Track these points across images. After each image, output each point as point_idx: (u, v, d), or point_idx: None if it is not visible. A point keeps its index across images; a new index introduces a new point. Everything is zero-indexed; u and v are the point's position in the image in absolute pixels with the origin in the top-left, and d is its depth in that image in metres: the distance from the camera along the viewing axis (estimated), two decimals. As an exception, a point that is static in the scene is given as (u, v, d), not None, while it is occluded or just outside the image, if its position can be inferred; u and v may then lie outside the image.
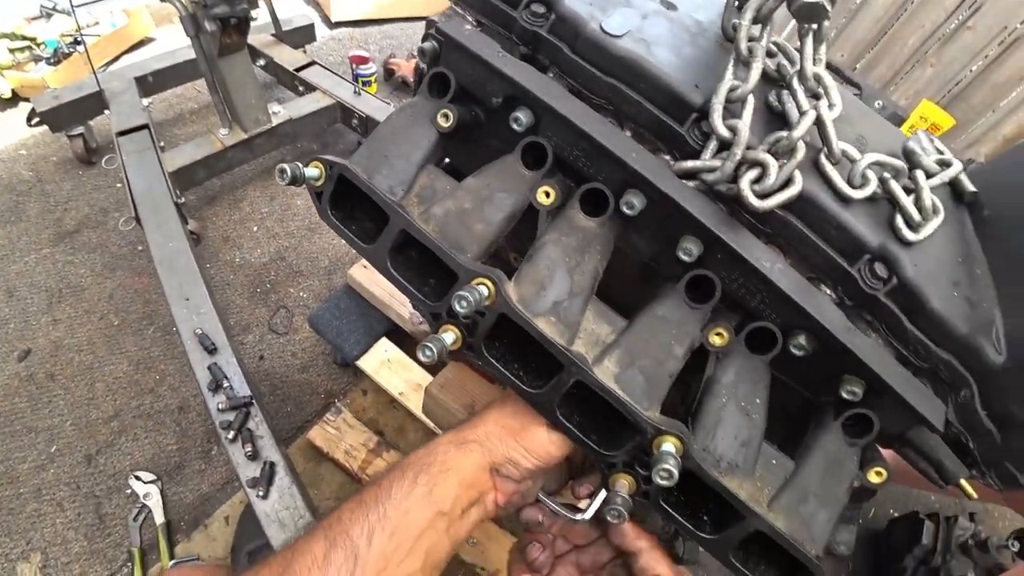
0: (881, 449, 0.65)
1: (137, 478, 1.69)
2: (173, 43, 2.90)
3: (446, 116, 0.61)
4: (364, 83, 2.71)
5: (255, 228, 2.28)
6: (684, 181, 0.55)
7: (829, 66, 2.42)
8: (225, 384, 1.57)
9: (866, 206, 0.59)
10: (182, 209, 1.99)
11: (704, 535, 0.55)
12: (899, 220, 0.59)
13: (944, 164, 0.65)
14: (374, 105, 2.36)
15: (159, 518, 1.63)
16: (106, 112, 2.25)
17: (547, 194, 0.57)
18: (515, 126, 0.58)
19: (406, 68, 3.00)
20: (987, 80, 2.71)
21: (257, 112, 2.15)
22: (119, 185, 2.35)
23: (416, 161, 0.61)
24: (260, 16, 2.42)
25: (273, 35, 2.58)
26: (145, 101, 2.33)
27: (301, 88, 2.44)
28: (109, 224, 2.25)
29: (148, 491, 1.68)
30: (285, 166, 0.57)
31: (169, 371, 1.92)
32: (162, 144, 2.17)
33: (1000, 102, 2.71)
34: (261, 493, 1.42)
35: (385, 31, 3.44)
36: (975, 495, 0.63)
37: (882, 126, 0.73)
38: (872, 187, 0.57)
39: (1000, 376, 0.60)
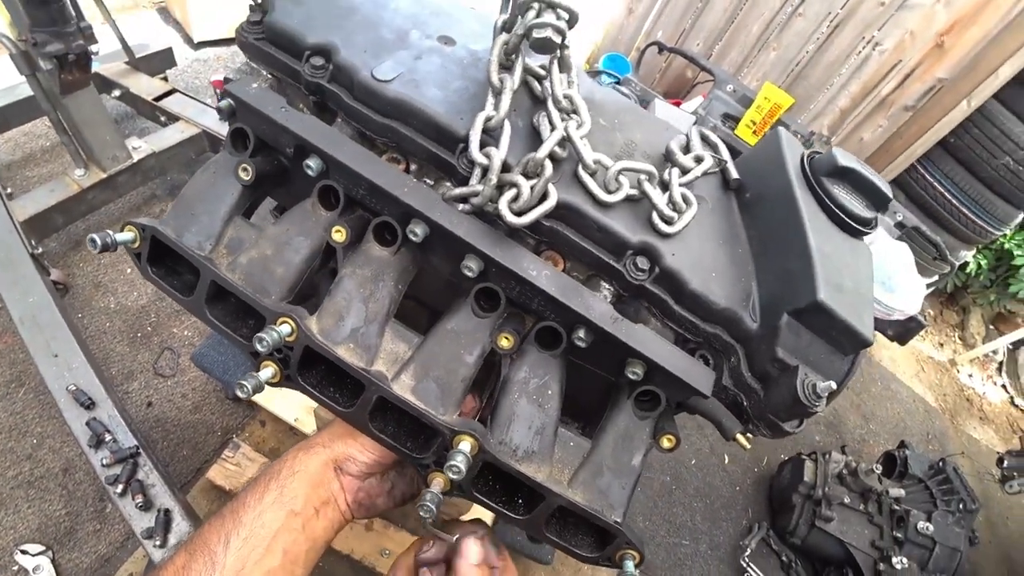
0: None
1: (24, 552, 1.58)
2: (8, 76, 2.67)
3: (246, 170, 0.65)
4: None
5: (128, 270, 2.17)
6: (459, 206, 0.62)
7: (686, 55, 2.62)
8: (107, 438, 1.51)
9: (626, 207, 0.69)
10: (41, 259, 1.86)
11: (517, 516, 0.62)
12: (655, 216, 0.68)
13: (699, 159, 0.76)
14: (245, 130, 2.30)
15: (53, 589, 1.54)
16: (-63, 160, 2.05)
17: (340, 232, 0.61)
18: (308, 172, 0.62)
19: (281, 86, 2.93)
20: (820, 60, 3.04)
21: (114, 149, 2.04)
22: (-36, 239, 2.15)
23: (221, 215, 0.64)
24: (111, 43, 2.28)
25: (127, 63, 2.44)
26: (-16, 145, 2.15)
27: (163, 118, 2.33)
28: (-42, 284, 2.05)
29: (37, 563, 1.59)
30: (95, 236, 0.60)
31: (48, 432, 1.81)
32: (10, 190, 2.01)
33: (833, 79, 3.05)
34: (158, 542, 1.38)
35: (256, 49, 3.33)
36: (748, 446, 0.74)
37: (655, 129, 0.83)
38: (625, 191, 0.66)
39: (757, 340, 0.71)
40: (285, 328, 0.57)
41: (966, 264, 3.57)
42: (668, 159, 0.75)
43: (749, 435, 0.75)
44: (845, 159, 0.82)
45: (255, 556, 0.55)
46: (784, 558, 2.16)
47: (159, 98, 2.33)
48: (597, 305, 0.63)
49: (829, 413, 2.86)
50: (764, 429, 0.74)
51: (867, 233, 0.82)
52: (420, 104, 0.63)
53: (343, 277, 0.62)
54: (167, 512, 1.43)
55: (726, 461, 2.44)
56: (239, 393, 0.58)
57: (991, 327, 4.01)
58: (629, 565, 0.61)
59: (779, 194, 0.79)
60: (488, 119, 0.60)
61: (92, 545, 1.66)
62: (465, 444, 0.56)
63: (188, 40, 3.20)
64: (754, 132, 2.59)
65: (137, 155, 2.12)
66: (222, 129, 2.26)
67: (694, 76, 3.38)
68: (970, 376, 3.64)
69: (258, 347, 0.55)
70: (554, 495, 0.59)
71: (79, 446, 1.75)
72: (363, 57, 0.65)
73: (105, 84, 2.33)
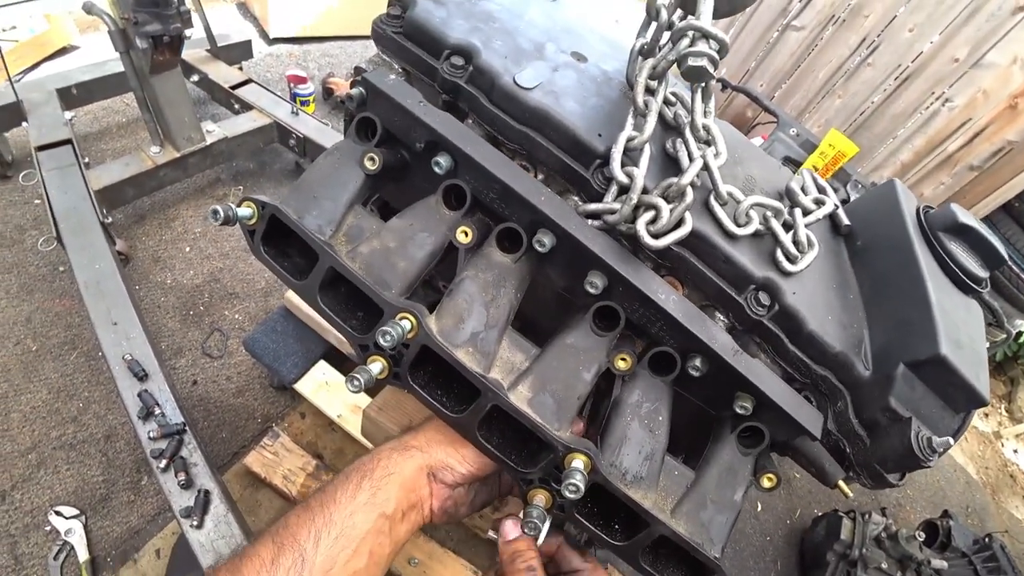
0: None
1: (58, 513, 1.59)
2: (98, 52, 2.78)
3: (372, 159, 0.65)
4: (302, 103, 2.69)
5: (187, 249, 2.21)
6: (589, 221, 0.61)
7: (751, 95, 2.61)
8: (156, 411, 1.52)
9: (751, 241, 0.67)
10: (109, 229, 1.91)
11: (615, 542, 0.61)
12: (779, 254, 0.67)
13: (819, 203, 0.75)
14: (312, 126, 2.35)
15: (83, 555, 1.55)
16: (24, 124, 2.13)
17: (466, 233, 0.61)
18: (436, 169, 0.63)
19: (345, 88, 3.00)
20: (886, 111, 2.99)
21: (190, 130, 2.10)
22: (37, 202, 2.23)
23: (344, 202, 0.64)
24: (195, 30, 2.37)
25: (208, 51, 2.53)
26: (68, 114, 2.23)
27: (237, 106, 2.39)
28: (26, 243, 2.12)
29: (70, 527, 1.59)
30: (218, 208, 0.60)
31: (94, 398, 1.83)
32: (87, 160, 2.08)
33: (898, 131, 3.00)
34: (195, 523, 1.38)
35: (324, 49, 3.42)
36: (850, 494, 0.71)
37: (770, 166, 0.82)
38: (754, 225, 0.65)
39: (868, 387, 0.69)
40: (406, 324, 0.57)
41: (1020, 334, 3.45)
42: (790, 198, 0.74)
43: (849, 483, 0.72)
44: (964, 216, 0.80)
45: (344, 556, 0.54)
46: (812, 618, 2.07)
47: (235, 87, 2.40)
48: (720, 335, 0.62)
49: (867, 472, 2.76)
50: (866, 478, 0.71)
51: (980, 292, 0.80)
52: (560, 116, 0.63)
53: (464, 279, 0.61)
54: (207, 493, 1.42)
55: (759, 509, 2.36)
56: (350, 387, 0.57)
57: (1039, 402, 3.84)
58: None
59: (896, 245, 0.77)
60: (631, 139, 0.60)
61: (124, 515, 1.66)
62: (578, 462, 0.55)
63: (263, 35, 3.31)
64: (816, 177, 2.56)
65: (210, 138, 2.18)
66: (293, 122, 2.33)
67: (755, 116, 3.37)
68: (1015, 452, 3.48)
69: (381, 340, 0.55)
70: (659, 523, 0.58)
71: (124, 415, 1.78)
72: (504, 62, 0.66)
73: (186, 68, 2.41)
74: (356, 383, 0.56)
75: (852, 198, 1.91)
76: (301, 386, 1.73)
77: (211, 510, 1.41)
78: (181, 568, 1.48)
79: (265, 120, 2.32)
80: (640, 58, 0.68)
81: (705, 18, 0.60)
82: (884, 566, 2.03)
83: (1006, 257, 0.82)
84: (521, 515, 0.57)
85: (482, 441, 0.59)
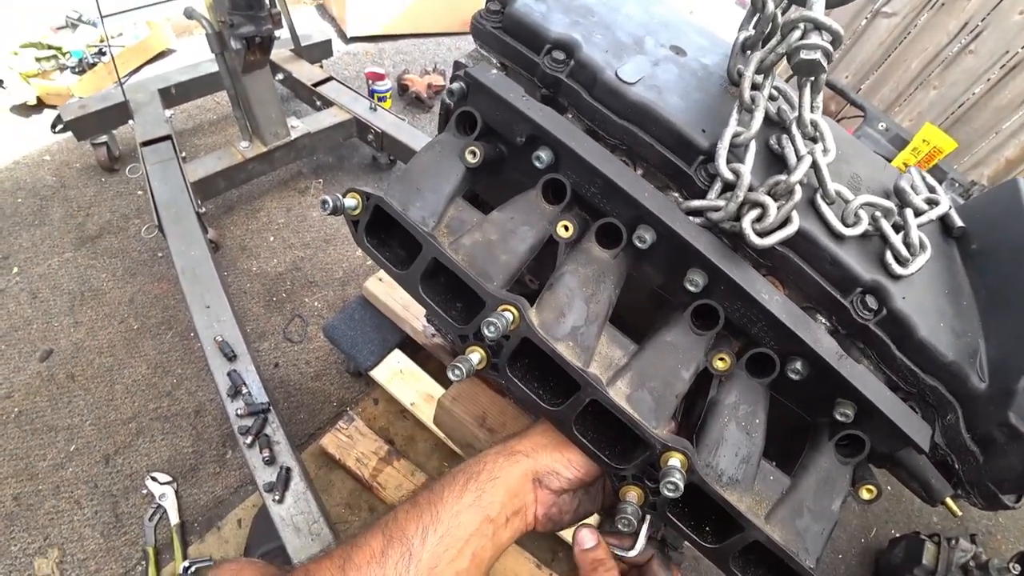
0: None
1: (153, 479, 1.73)
2: (192, 55, 2.98)
3: (473, 153, 0.66)
4: (380, 99, 2.78)
5: (271, 238, 2.34)
6: (691, 218, 0.60)
7: (835, 88, 2.48)
8: (244, 391, 1.62)
9: (859, 242, 0.65)
10: (203, 218, 2.06)
11: (706, 544, 0.60)
12: (889, 256, 0.64)
13: (932, 203, 0.70)
14: (389, 121, 2.42)
15: (174, 519, 1.67)
16: (130, 122, 2.32)
17: (566, 228, 0.62)
18: (537, 163, 0.64)
19: (419, 84, 3.07)
20: (989, 103, 2.76)
21: (277, 126, 2.22)
22: (140, 193, 2.42)
23: (446, 194, 0.66)
24: (280, 31, 2.50)
25: (292, 50, 2.65)
26: (168, 112, 2.41)
27: (318, 102, 2.51)
28: (130, 230, 2.31)
29: (164, 492, 1.72)
30: (327, 198, 0.63)
31: (187, 375, 1.97)
32: (184, 154, 2.24)
33: (1002, 125, 2.76)
34: (277, 497, 1.46)
35: (399, 47, 3.52)
36: (959, 512, 0.67)
37: (875, 164, 0.78)
38: (864, 226, 0.62)
39: (983, 401, 0.65)
40: (508, 316, 0.58)
41: None
42: (899, 198, 0.70)
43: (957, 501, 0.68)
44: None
45: (448, 556, 0.56)
46: (887, 643, 1.96)
47: (317, 84, 2.51)
48: (824, 338, 0.59)
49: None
50: (976, 497, 0.67)
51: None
52: (663, 111, 0.62)
53: (565, 273, 0.62)
54: (288, 470, 1.51)
55: (831, 523, 2.25)
56: (452, 375, 0.59)
57: None
58: None
59: (1019, 249, 0.72)
60: (736, 135, 0.59)
61: (210, 485, 1.79)
62: (675, 461, 0.55)
63: (341, 35, 3.44)
64: (907, 176, 2.40)
65: (294, 133, 2.29)
66: (371, 118, 2.41)
67: (839, 110, 3.19)
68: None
69: (486, 331, 0.56)
70: (754, 529, 0.56)
71: (212, 392, 1.92)
72: (605, 56, 0.66)
73: (273, 68, 2.54)
74: (458, 372, 0.58)
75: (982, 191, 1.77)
76: (376, 373, 1.80)
77: (291, 487, 1.49)
78: (260, 538, 1.58)
79: (345, 116, 2.41)
80: (744, 51, 0.66)
81: (818, 7, 0.58)
82: (971, 595, 1.90)
83: None
84: (616, 514, 0.57)
85: (577, 435, 0.59)
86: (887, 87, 3.00)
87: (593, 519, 0.71)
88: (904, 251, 0.63)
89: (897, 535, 2.20)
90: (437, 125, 0.81)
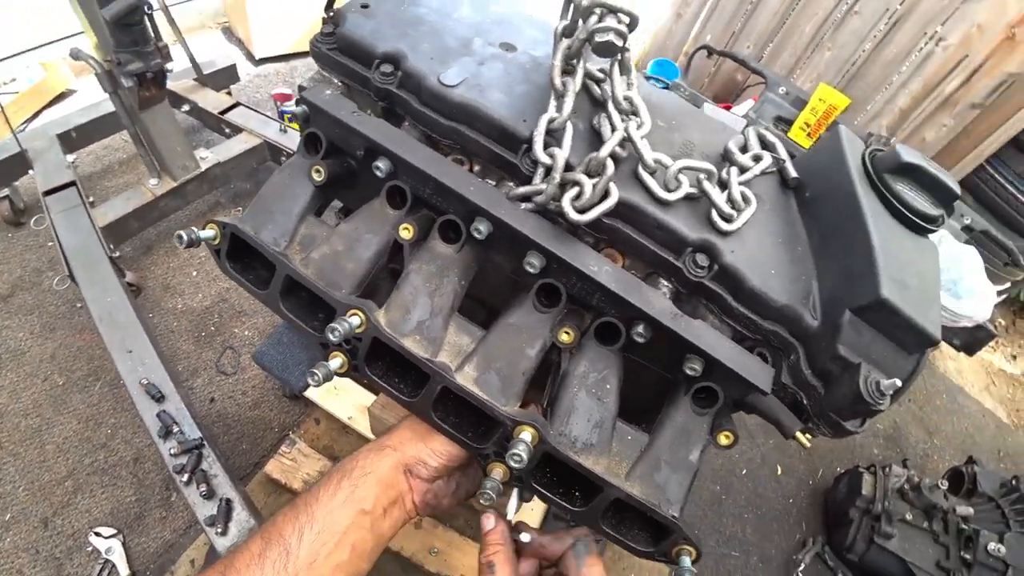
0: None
1: (97, 534, 1.68)
2: (96, 94, 2.88)
3: (319, 171, 0.69)
4: (291, 119, 2.74)
5: (194, 273, 2.30)
6: (522, 204, 0.64)
7: (736, 58, 2.60)
8: (175, 429, 1.60)
9: (686, 206, 0.69)
10: (117, 262, 2.00)
11: (574, 508, 0.63)
12: (714, 214, 0.69)
13: (756, 159, 0.76)
14: (302, 139, 2.40)
15: (123, 571, 1.64)
16: (31, 172, 2.23)
17: (407, 230, 0.65)
18: (377, 173, 0.66)
19: (335, 97, 3.05)
20: (878, 59, 2.93)
21: (184, 159, 2.18)
22: (51, 244, 2.33)
23: (296, 214, 0.68)
24: (181, 61, 2.44)
25: (195, 79, 2.60)
26: (70, 157, 2.32)
27: (228, 130, 2.46)
28: (44, 284, 2.22)
29: (110, 546, 1.68)
30: (181, 233, 0.65)
31: (121, 424, 1.92)
32: (91, 199, 2.17)
33: (892, 77, 2.93)
34: (220, 530, 1.45)
35: (310, 63, 3.42)
36: (808, 445, 0.72)
37: (713, 129, 0.83)
38: (684, 189, 0.67)
39: (817, 338, 0.71)
40: (355, 320, 0.60)
41: (1040, 271, 3.35)
42: (726, 158, 0.75)
43: (809, 435, 0.73)
44: (909, 155, 0.80)
45: (326, 550, 0.58)
46: (840, 575, 2.07)
47: (224, 111, 2.46)
48: (657, 301, 0.64)
49: (889, 426, 2.72)
50: (825, 428, 0.72)
51: (933, 230, 0.80)
52: (484, 107, 0.65)
53: (410, 272, 0.65)
54: (228, 502, 1.49)
55: (779, 472, 2.36)
56: (310, 381, 0.61)
57: (1070, 339, 3.72)
58: (686, 561, 0.61)
59: (840, 192, 0.78)
60: (551, 120, 0.62)
61: (158, 531, 1.75)
62: (526, 434, 0.58)
63: (250, 57, 3.38)
64: (808, 135, 2.52)
65: (204, 164, 2.25)
66: (282, 139, 2.39)
67: (744, 79, 3.32)
68: (1046, 390, 3.40)
69: (330, 337, 0.58)
70: (612, 487, 0.60)
71: (149, 437, 1.86)
72: (430, 64, 0.68)
73: (176, 99, 2.49)
74: (316, 378, 0.60)
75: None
76: (310, 393, 1.79)
77: (234, 517, 1.48)
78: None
79: (256, 141, 2.38)
80: (563, 39, 0.69)
81: (613, -7, 0.61)
82: (909, 517, 2.02)
83: (959, 192, 0.82)
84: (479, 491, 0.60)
85: (437, 421, 0.62)
86: (786, 53, 3.14)
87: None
88: (726, 208, 0.68)
89: (841, 471, 2.32)
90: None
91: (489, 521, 0.67)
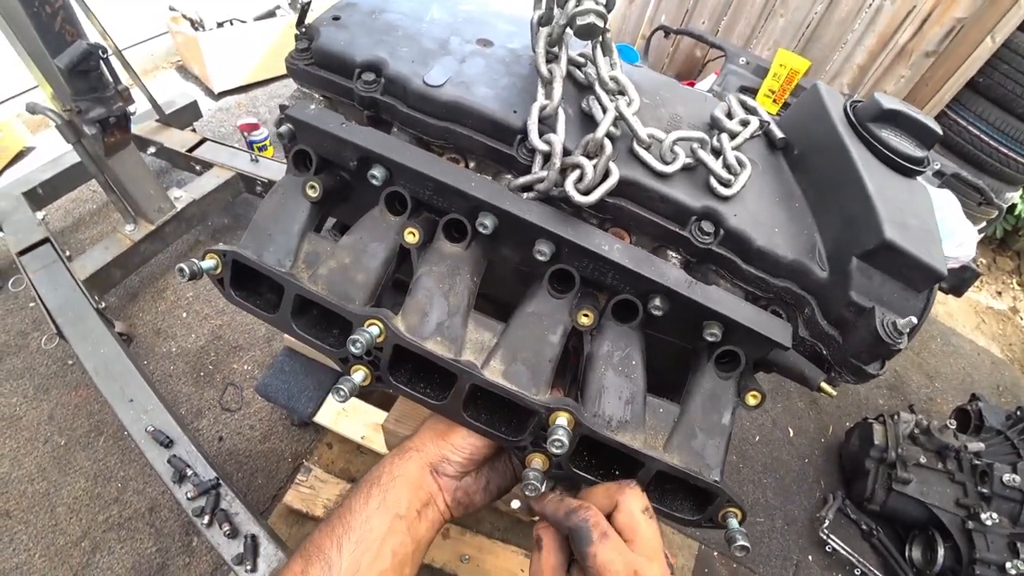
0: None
1: (122, 590, 1.66)
2: (54, 148, 2.82)
3: (313, 187, 0.68)
4: (260, 148, 2.72)
5: (184, 314, 2.26)
6: (524, 194, 0.64)
7: (693, 35, 2.63)
8: (189, 472, 1.57)
9: (685, 176, 0.70)
10: (105, 313, 1.96)
11: (618, 488, 0.63)
12: (712, 181, 0.70)
13: (745, 123, 0.77)
14: (274, 169, 2.38)
15: (154, 624, 1.61)
16: (0, 234, 2.18)
17: (412, 234, 0.64)
18: (373, 181, 0.66)
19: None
20: (831, 19, 2.98)
21: (159, 201, 2.14)
22: (32, 305, 2.28)
23: (296, 232, 0.67)
24: (141, 104, 2.40)
25: (158, 120, 2.56)
26: (39, 214, 2.28)
27: (198, 167, 2.43)
28: (31, 346, 2.17)
29: (138, 601, 1.65)
30: (183, 265, 0.63)
31: (130, 475, 1.88)
32: (68, 253, 2.12)
33: (847, 35, 2.99)
34: (249, 567, 1.43)
35: (271, 91, 3.45)
36: (834, 393, 0.73)
37: (695, 100, 0.84)
38: (681, 159, 0.67)
39: (829, 288, 0.72)
40: (374, 329, 0.60)
41: (1014, 206, 3.44)
42: (715, 126, 0.76)
43: (832, 384, 0.74)
44: (889, 102, 0.82)
45: (367, 559, 0.58)
46: (864, 526, 2.10)
47: (192, 149, 2.43)
48: (670, 272, 0.64)
49: (890, 375, 2.78)
50: (848, 375, 0.73)
51: (921, 171, 0.82)
52: (474, 103, 0.65)
53: (421, 276, 0.64)
54: (254, 537, 1.47)
55: (791, 434, 2.39)
56: (336, 398, 0.60)
57: (1049, 267, 3.83)
58: (733, 522, 0.62)
59: (828, 145, 0.79)
60: (543, 108, 0.62)
61: (184, 578, 1.72)
62: (562, 419, 0.58)
63: (208, 92, 3.34)
64: (774, 100, 2.56)
65: (179, 204, 2.22)
66: (255, 169, 2.36)
67: (704, 55, 3.36)
68: (1035, 321, 3.49)
69: (352, 349, 0.58)
70: (653, 460, 0.61)
71: (161, 485, 1.84)
72: (411, 67, 0.68)
73: (141, 143, 2.45)
74: (342, 394, 0.60)
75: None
76: (320, 418, 1.77)
77: (261, 552, 1.46)
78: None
79: (228, 174, 2.36)
80: (540, 28, 0.70)
81: (587, -24, 0.62)
82: (923, 460, 2.06)
83: (939, 132, 0.84)
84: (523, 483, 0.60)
85: (469, 420, 0.62)
86: (741, 24, 3.19)
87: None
88: (724, 173, 0.69)
89: (850, 426, 2.36)
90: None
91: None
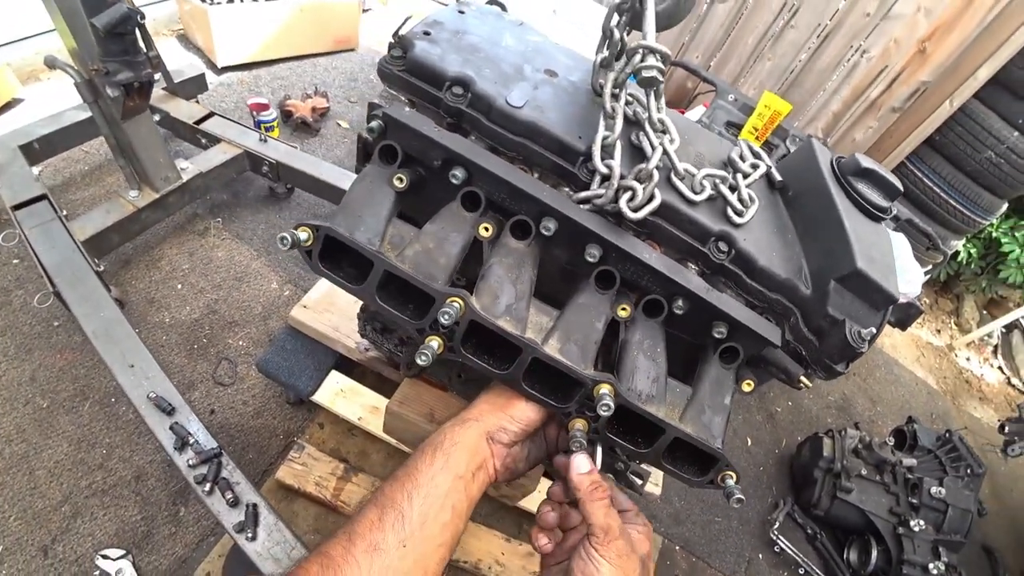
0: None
1: (105, 556, 1.64)
2: (44, 102, 2.76)
3: (400, 179, 0.79)
4: (267, 128, 2.76)
5: (179, 286, 2.28)
6: (581, 206, 0.77)
7: (689, 68, 2.83)
8: (191, 440, 1.60)
9: (707, 204, 0.85)
10: (103, 276, 1.97)
11: (641, 451, 0.77)
12: (729, 211, 0.85)
13: (755, 167, 0.93)
14: (283, 151, 2.43)
15: (137, 591, 1.61)
16: (-9, 186, 2.13)
17: (486, 229, 0.76)
18: (454, 180, 0.78)
19: (303, 109, 3.07)
20: (813, 68, 3.25)
21: (166, 170, 2.16)
22: (16, 262, 2.23)
23: (383, 217, 0.78)
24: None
25: (165, 89, 2.56)
26: (35, 169, 2.24)
27: (203, 140, 2.45)
28: (14, 304, 2.11)
29: (119, 567, 1.63)
30: (286, 235, 0.72)
31: (116, 443, 1.87)
32: (64, 212, 2.11)
33: (825, 84, 3.27)
34: (250, 535, 1.48)
35: (274, 72, 3.47)
36: (811, 384, 0.90)
37: (713, 142, 1.00)
38: (707, 192, 0.83)
39: (811, 303, 0.89)
40: (456, 306, 0.71)
41: (957, 253, 3.80)
42: (731, 166, 0.92)
43: (807, 379, 0.91)
44: (866, 162, 1.00)
45: (433, 511, 0.68)
46: (809, 530, 2.32)
47: (199, 121, 2.45)
48: (694, 279, 0.79)
49: (839, 398, 3.04)
50: (820, 371, 0.90)
51: (884, 219, 1.00)
52: (547, 126, 0.78)
53: (492, 265, 0.77)
54: (255, 506, 1.51)
55: (749, 444, 2.60)
56: (419, 360, 0.71)
57: (984, 312, 4.24)
58: (729, 482, 0.77)
59: (817, 191, 0.96)
60: (605, 137, 0.76)
61: (169, 547, 1.71)
62: (605, 389, 0.71)
63: (211, 65, 3.34)
64: (756, 137, 2.78)
65: (186, 176, 2.23)
66: (263, 149, 2.40)
67: (694, 87, 3.59)
68: (968, 359, 3.86)
69: (443, 320, 0.69)
70: (673, 428, 0.75)
71: (152, 453, 1.85)
72: (495, 87, 0.81)
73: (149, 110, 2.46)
74: (425, 357, 0.71)
75: (792, 151, 2.13)
76: (319, 397, 1.84)
77: (261, 521, 1.51)
78: (235, 580, 1.58)
79: (236, 151, 2.39)
80: (602, 69, 0.83)
81: (650, 36, 0.76)
82: (864, 472, 2.30)
83: (901, 189, 1.02)
84: (569, 440, 0.73)
85: (527, 389, 0.74)
86: (731, 62, 3.42)
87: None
88: (739, 205, 0.85)
89: (802, 439, 2.59)
90: (356, 156, 0.92)
91: (586, 462, 0.74)
